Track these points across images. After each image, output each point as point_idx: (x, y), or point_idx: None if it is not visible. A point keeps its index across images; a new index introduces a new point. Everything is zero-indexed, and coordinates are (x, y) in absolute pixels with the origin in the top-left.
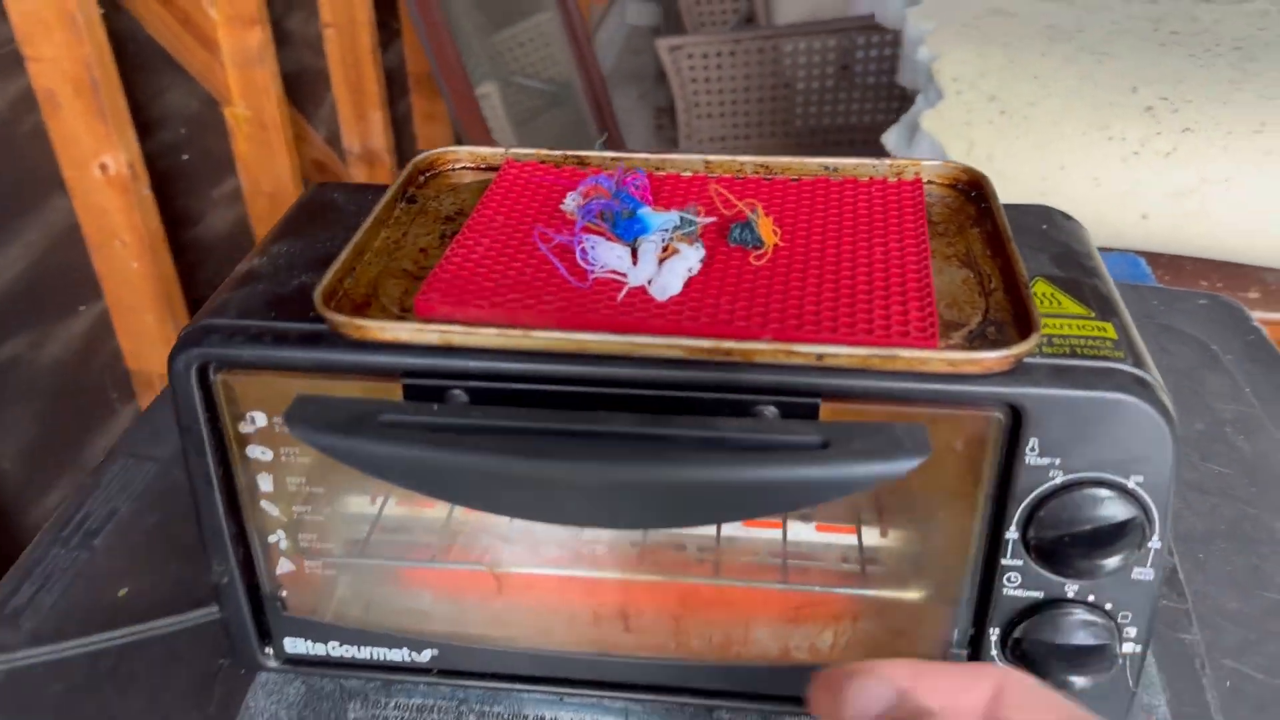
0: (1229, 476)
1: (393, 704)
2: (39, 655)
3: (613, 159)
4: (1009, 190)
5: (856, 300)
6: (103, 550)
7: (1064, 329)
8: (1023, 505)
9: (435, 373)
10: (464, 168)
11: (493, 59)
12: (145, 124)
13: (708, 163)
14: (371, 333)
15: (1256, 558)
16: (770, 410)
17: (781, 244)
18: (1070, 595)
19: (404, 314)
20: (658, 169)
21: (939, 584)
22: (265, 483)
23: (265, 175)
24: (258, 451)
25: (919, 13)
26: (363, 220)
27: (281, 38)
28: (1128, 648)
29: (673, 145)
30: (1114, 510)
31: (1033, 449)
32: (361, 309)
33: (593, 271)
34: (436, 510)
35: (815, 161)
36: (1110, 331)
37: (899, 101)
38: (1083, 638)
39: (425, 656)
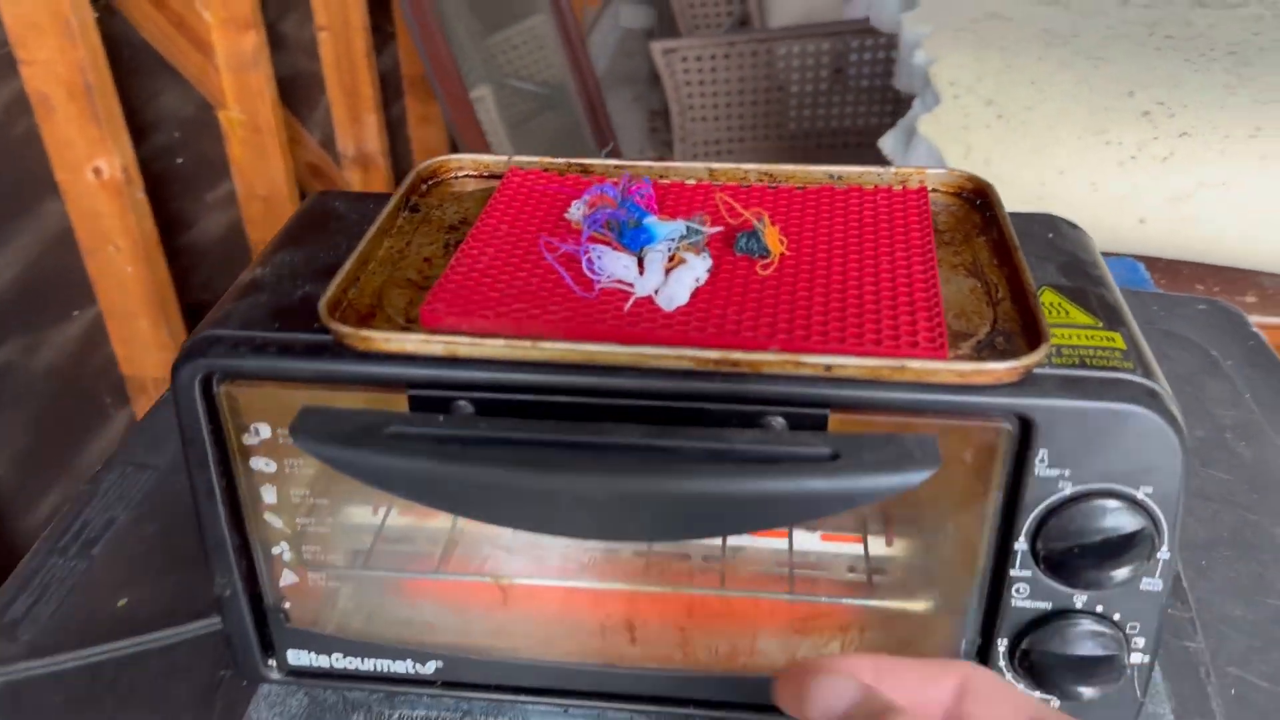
0: (1230, 483)
1: (396, 716)
2: (38, 668)
3: (616, 167)
4: (1007, 195)
5: (864, 310)
6: (101, 560)
7: (1072, 339)
8: (1032, 516)
9: (441, 384)
10: (466, 175)
11: (487, 62)
12: (139, 128)
13: (711, 171)
14: (377, 344)
15: (1259, 565)
16: (778, 421)
17: (787, 253)
18: (1079, 606)
19: (409, 324)
20: (661, 177)
21: (946, 595)
22: (269, 495)
23: (259, 179)
24: (261, 463)
25: (915, 17)
26: (365, 229)
27: (276, 41)
28: (1135, 658)
29: (667, 148)
30: (1123, 521)
31: (1042, 460)
32: (366, 319)
33: (599, 281)
34: (440, 520)
35: (820, 170)
36: (1119, 341)
37: (892, 105)
38: (1091, 649)
39: (429, 668)
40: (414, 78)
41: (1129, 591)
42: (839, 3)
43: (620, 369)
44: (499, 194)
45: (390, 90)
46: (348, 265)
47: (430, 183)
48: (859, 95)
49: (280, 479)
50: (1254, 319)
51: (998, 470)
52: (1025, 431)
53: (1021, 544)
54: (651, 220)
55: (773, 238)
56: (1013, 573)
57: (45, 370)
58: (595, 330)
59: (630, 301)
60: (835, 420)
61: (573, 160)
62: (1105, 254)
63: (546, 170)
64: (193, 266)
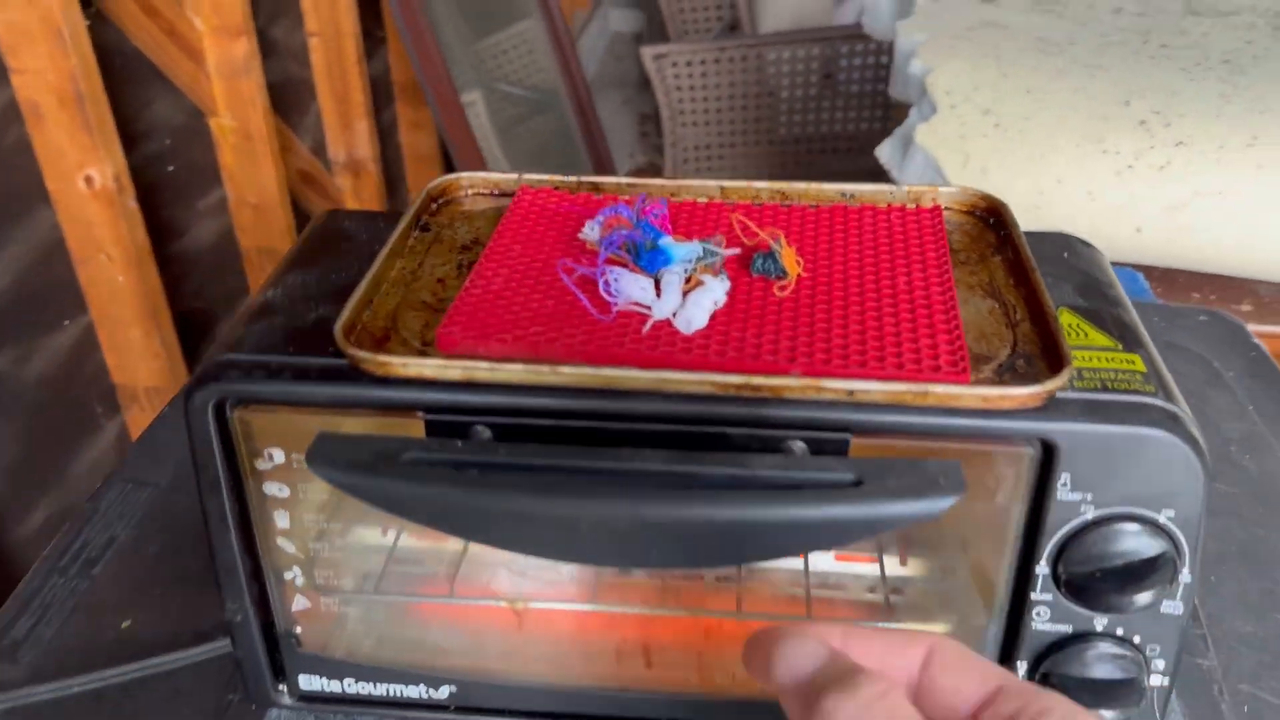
0: (1237, 497)
1: None
2: (42, 693)
3: (627, 185)
4: None
5: (884, 333)
6: (103, 580)
7: (1093, 361)
8: (1053, 540)
9: (459, 408)
10: (477, 194)
11: (477, 67)
12: (130, 136)
13: (723, 189)
14: (394, 369)
15: (1269, 580)
16: (799, 445)
17: (804, 274)
18: (1099, 629)
19: (425, 348)
20: (673, 195)
21: (965, 617)
22: (282, 519)
23: (250, 186)
24: (275, 488)
25: (910, 25)
26: (376, 249)
27: (266, 47)
28: (1155, 680)
29: (657, 152)
30: (1145, 545)
31: (1064, 484)
32: (381, 343)
33: (615, 304)
34: (452, 542)
35: (832, 188)
36: (1139, 364)
37: (882, 110)
38: (1111, 671)
39: (443, 693)
40: (405, 83)
41: (1150, 614)
42: (829, 8)
43: (640, 393)
44: (510, 213)
45: (380, 95)
46: (361, 288)
47: (440, 201)
48: (849, 100)
49: (293, 504)
50: (1250, 327)
51: (1019, 494)
52: (1048, 455)
53: (1043, 567)
54: (667, 242)
55: (789, 259)
56: (1033, 596)
57: (36, 380)
58: (614, 354)
59: (648, 324)
60: (855, 444)
61: (583, 178)
62: None
63: (557, 188)
64: (184, 274)
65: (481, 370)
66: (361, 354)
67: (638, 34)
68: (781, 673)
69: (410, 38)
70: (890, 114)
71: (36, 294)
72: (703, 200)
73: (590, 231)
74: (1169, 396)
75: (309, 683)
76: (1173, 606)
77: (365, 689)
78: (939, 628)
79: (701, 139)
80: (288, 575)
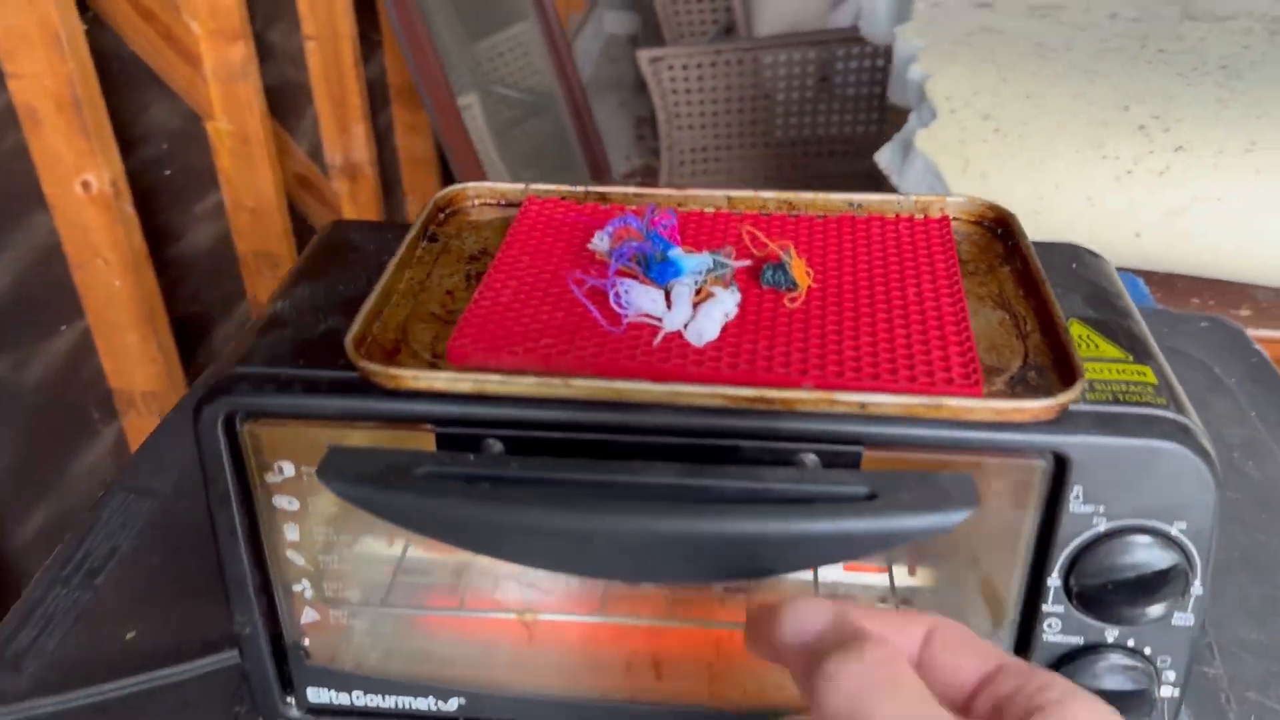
0: (1240, 503)
1: None
2: (45, 706)
3: (635, 194)
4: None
5: (895, 345)
6: (106, 590)
7: (1104, 373)
8: (1065, 552)
9: (470, 421)
10: (484, 204)
11: (472, 69)
12: (127, 140)
13: (730, 199)
14: (406, 381)
15: (1272, 587)
16: (811, 458)
17: (814, 285)
18: (1110, 641)
19: (436, 360)
20: (680, 205)
21: (976, 628)
22: (291, 532)
23: (247, 190)
24: (284, 501)
25: (908, 30)
26: (383, 260)
27: (262, 51)
28: (1166, 691)
29: (653, 155)
30: (1157, 557)
31: (1077, 496)
32: (392, 355)
33: (626, 315)
34: (460, 553)
35: (840, 197)
36: (1150, 376)
37: (877, 113)
38: (1122, 683)
39: (452, 705)
40: (401, 86)
41: (1161, 626)
42: (825, 11)
43: (652, 406)
44: (518, 223)
45: (377, 99)
46: (371, 300)
47: (447, 212)
48: (844, 103)
49: (302, 516)
50: (1248, 331)
51: (1031, 506)
52: (1060, 468)
53: (1054, 579)
54: (677, 253)
55: (800, 270)
56: (1045, 608)
57: (33, 385)
58: (626, 367)
59: (659, 336)
60: (867, 457)
61: (590, 188)
62: None
63: (564, 198)
64: (181, 279)
65: (493, 383)
66: (373, 367)
67: (633, 36)
68: (787, 634)
69: (406, 41)
70: (886, 117)
71: (33, 299)
72: (710, 210)
73: (599, 242)
74: (1180, 409)
75: (317, 695)
76: (1184, 618)
77: (374, 701)
78: None
79: (698, 142)
80: (296, 588)
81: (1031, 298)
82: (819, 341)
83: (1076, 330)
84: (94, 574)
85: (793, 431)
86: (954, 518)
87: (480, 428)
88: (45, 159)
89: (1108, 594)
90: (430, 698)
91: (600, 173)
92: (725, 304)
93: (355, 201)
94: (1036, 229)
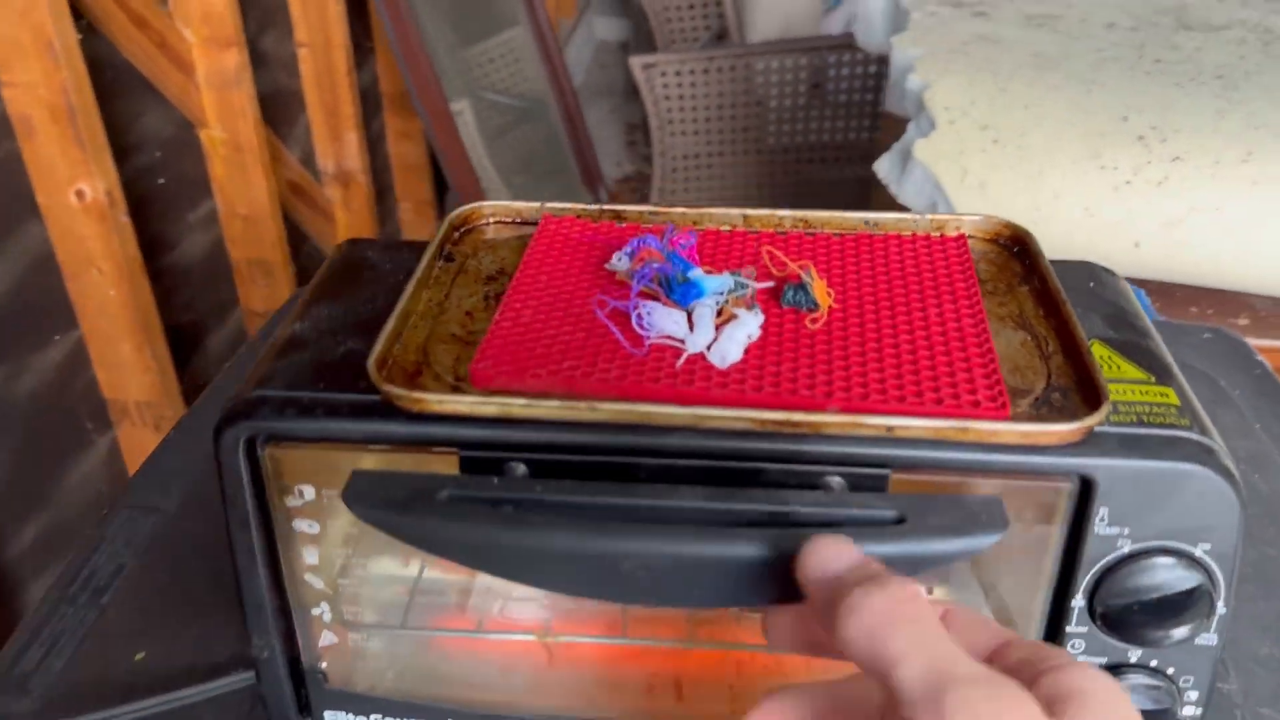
0: (1249, 517)
1: None
2: None
3: (650, 213)
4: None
5: (920, 367)
6: (112, 609)
7: (1128, 395)
8: (1090, 574)
9: (494, 444)
10: (499, 222)
11: (464, 75)
12: (121, 149)
13: (747, 217)
14: (430, 405)
15: None
16: (837, 481)
17: (835, 305)
18: (1133, 661)
19: (459, 383)
20: (696, 224)
21: None
22: (311, 556)
23: (241, 198)
24: (304, 524)
25: (905, 39)
26: (399, 279)
27: (255, 58)
28: (1188, 711)
29: (645, 161)
30: (1181, 578)
31: (1102, 519)
32: (413, 377)
33: (648, 337)
34: (479, 574)
35: (855, 216)
36: (1172, 397)
37: (870, 120)
38: (1144, 702)
39: None
40: (393, 93)
41: (1184, 646)
42: (817, 18)
43: (678, 429)
44: (535, 243)
45: (369, 106)
46: (391, 321)
47: (462, 230)
48: (837, 110)
49: (322, 539)
50: (1247, 340)
51: (1056, 528)
52: (1085, 490)
53: (1078, 601)
54: (698, 274)
55: (820, 290)
56: (1069, 629)
57: (26, 395)
58: (650, 390)
59: (682, 358)
60: (893, 479)
61: (605, 206)
62: None
63: (580, 217)
64: (174, 287)
65: (517, 406)
66: (397, 390)
67: (624, 43)
68: (812, 568)
69: (400, 47)
70: (878, 124)
71: (27, 309)
72: (726, 229)
73: (619, 262)
74: (1203, 430)
75: (335, 719)
76: (1208, 639)
77: None
78: None
79: (690, 148)
80: (315, 611)
81: (1052, 318)
82: (843, 363)
83: (1099, 351)
84: (100, 593)
85: (819, 455)
86: (984, 541)
87: (504, 451)
88: (39, 168)
89: (1132, 615)
90: None
91: (592, 179)
92: (749, 326)
93: (348, 209)
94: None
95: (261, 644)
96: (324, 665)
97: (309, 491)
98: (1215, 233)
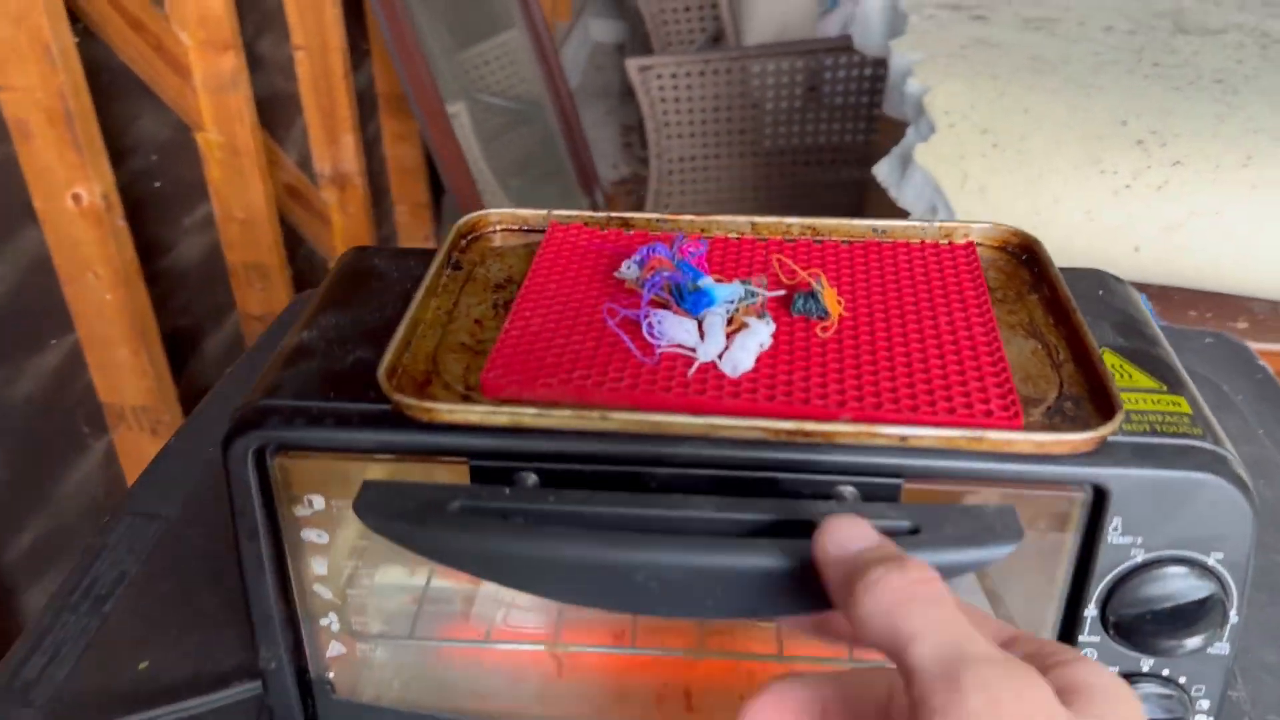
0: None
1: None
2: None
3: (658, 220)
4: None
5: (932, 377)
6: (115, 618)
7: (1140, 404)
8: (1103, 583)
9: (505, 454)
10: (506, 230)
11: (460, 77)
12: (117, 152)
13: (754, 224)
14: (440, 415)
15: None
16: (850, 490)
17: (845, 313)
18: (1145, 670)
19: (469, 392)
20: (703, 231)
21: None
22: (319, 566)
23: (237, 201)
24: (313, 534)
25: (903, 43)
26: (407, 287)
27: (251, 61)
28: (1199, 719)
29: (641, 163)
30: (1194, 587)
31: (1115, 528)
32: (423, 386)
33: (659, 346)
34: (486, 583)
35: (863, 223)
36: (1184, 406)
37: (866, 122)
38: (1155, 711)
39: None
40: (389, 96)
41: (1196, 656)
42: (813, 21)
43: (690, 439)
44: (543, 251)
45: (365, 108)
46: (400, 330)
47: (469, 238)
48: (834, 113)
49: (331, 549)
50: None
51: (1069, 538)
52: (1099, 499)
53: (1091, 610)
54: (709, 283)
55: (831, 299)
56: (1081, 638)
57: (23, 399)
58: (662, 399)
59: (693, 368)
60: (905, 488)
61: (613, 214)
62: None
63: (587, 224)
64: (171, 291)
65: (528, 416)
66: (407, 400)
67: (620, 45)
68: (829, 545)
69: (396, 50)
70: (875, 127)
71: (23, 313)
72: (734, 236)
73: (628, 270)
74: (1216, 439)
75: None
76: (1220, 648)
77: None
78: None
79: (686, 151)
80: (323, 621)
81: (1062, 326)
82: (854, 372)
83: (1110, 360)
84: (102, 600)
85: (831, 464)
86: (1000, 551)
87: (515, 461)
88: (36, 172)
89: (1145, 625)
90: None
91: (588, 181)
92: (760, 334)
93: (345, 212)
94: None
95: (269, 655)
96: (331, 675)
97: (318, 501)
98: (1215, 237)
